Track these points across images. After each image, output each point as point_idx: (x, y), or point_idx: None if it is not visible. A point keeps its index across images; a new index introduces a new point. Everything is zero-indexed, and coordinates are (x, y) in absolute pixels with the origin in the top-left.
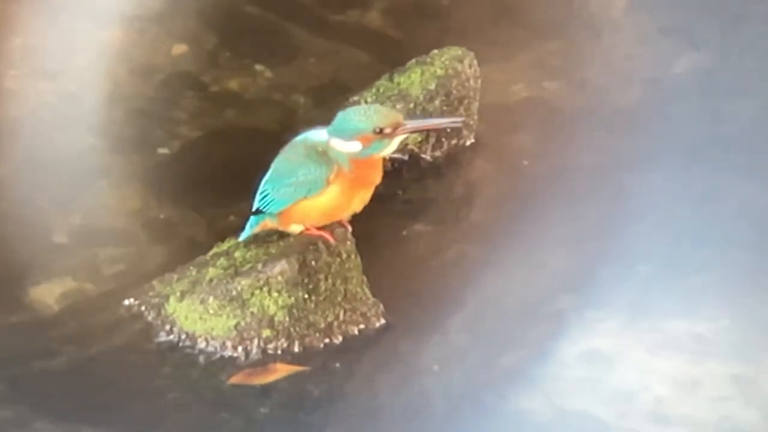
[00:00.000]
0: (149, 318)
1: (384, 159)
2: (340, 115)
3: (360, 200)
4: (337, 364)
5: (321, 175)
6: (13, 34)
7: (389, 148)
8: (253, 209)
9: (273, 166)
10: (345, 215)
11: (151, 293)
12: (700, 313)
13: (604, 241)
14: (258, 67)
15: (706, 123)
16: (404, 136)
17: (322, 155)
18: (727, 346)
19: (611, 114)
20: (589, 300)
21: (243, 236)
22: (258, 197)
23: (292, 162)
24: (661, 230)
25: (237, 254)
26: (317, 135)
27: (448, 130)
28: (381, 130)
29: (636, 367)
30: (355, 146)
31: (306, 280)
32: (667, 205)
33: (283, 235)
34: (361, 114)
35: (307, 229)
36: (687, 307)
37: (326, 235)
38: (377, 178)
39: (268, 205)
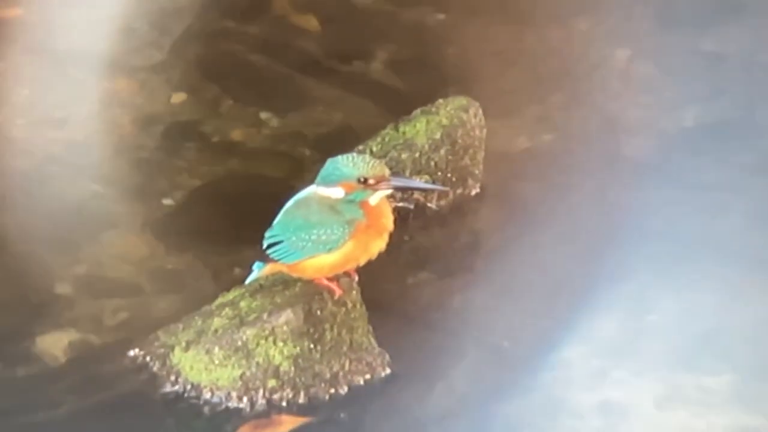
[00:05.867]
0: (154, 368)
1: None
2: (329, 162)
3: (375, 248)
4: (343, 415)
5: (342, 236)
6: (20, 84)
7: (371, 200)
8: (264, 253)
9: (284, 216)
10: (361, 263)
11: (156, 343)
12: (706, 363)
13: (610, 290)
14: (263, 115)
15: (713, 171)
16: (387, 191)
17: (338, 213)
18: (734, 398)
19: (617, 164)
20: (595, 349)
21: (249, 280)
22: (268, 243)
23: (310, 219)
24: (667, 280)
25: (242, 304)
26: (326, 191)
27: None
28: (365, 180)
29: (642, 418)
30: (337, 192)
31: (311, 330)
32: (674, 256)
33: (288, 284)
34: (349, 161)
35: (315, 278)
36: (692, 357)
37: (333, 287)
38: (389, 224)
39: (282, 255)
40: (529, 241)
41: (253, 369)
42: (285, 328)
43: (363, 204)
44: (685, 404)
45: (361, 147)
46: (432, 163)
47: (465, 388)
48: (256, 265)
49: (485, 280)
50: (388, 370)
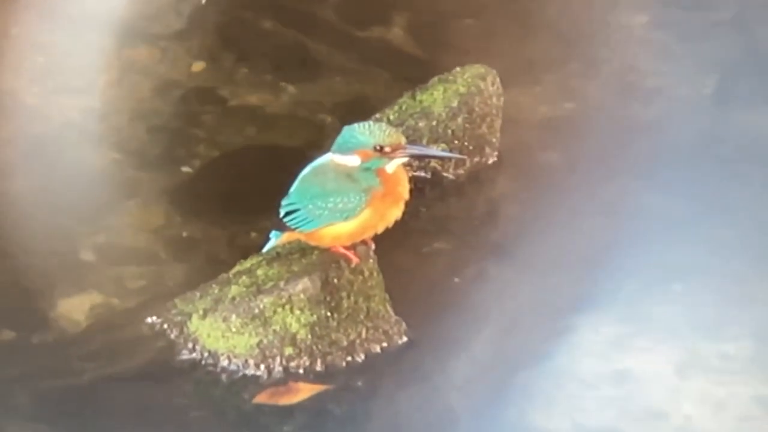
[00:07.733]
0: (172, 336)
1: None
2: (345, 130)
3: (391, 216)
4: (360, 383)
5: (359, 204)
6: (37, 51)
7: (387, 168)
8: (280, 221)
9: (301, 184)
10: (378, 231)
11: (173, 311)
12: (726, 331)
13: (629, 257)
14: (281, 84)
15: (730, 140)
16: (403, 159)
17: (355, 181)
18: (754, 366)
19: (635, 132)
20: (614, 318)
21: (266, 248)
22: (285, 211)
23: (327, 187)
24: (686, 247)
25: (259, 272)
26: (342, 159)
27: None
28: (381, 148)
29: (661, 386)
30: (353, 160)
31: (328, 298)
32: (693, 222)
33: (305, 252)
34: (365, 129)
35: (332, 247)
36: (712, 325)
37: (350, 255)
38: (406, 192)
39: (298, 223)
40: (546, 209)
41: (270, 337)
42: (302, 296)
43: (379, 172)
44: (705, 372)
45: (378, 115)
46: (449, 132)
47: (482, 356)
48: (273, 234)
49: (502, 248)
50: (404, 338)
